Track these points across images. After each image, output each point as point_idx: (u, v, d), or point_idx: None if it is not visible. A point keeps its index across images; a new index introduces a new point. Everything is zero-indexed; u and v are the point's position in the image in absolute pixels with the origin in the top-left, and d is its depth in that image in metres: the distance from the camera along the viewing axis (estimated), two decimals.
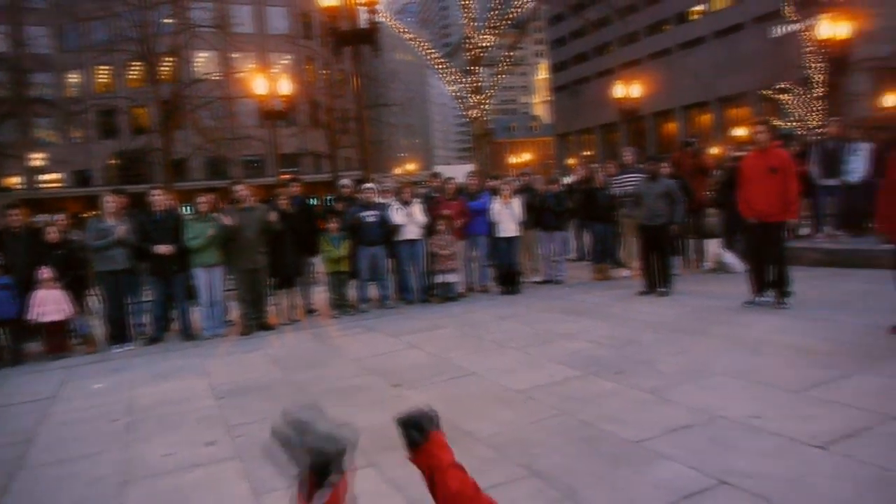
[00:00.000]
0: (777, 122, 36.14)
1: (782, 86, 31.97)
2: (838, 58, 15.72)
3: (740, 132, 44.06)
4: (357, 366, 6.48)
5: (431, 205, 9.88)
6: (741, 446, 3.70)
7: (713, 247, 10.56)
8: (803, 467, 3.37)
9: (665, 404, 4.52)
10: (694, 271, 10.47)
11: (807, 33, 28.60)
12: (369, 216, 9.29)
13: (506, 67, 20.56)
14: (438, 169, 28.51)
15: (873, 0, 33.04)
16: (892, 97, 31.68)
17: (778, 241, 7.26)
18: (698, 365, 5.37)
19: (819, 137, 11.01)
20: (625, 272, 10.69)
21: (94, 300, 9.01)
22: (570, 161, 62.66)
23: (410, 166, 77.90)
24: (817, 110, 28.87)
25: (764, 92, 34.97)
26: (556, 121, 78.61)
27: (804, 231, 10.97)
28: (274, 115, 18.41)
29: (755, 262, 7.44)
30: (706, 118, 55.16)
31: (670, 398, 4.63)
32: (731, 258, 9.95)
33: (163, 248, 8.19)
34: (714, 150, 24.95)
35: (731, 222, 10.06)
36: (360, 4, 12.73)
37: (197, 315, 8.72)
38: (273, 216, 8.49)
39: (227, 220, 8.28)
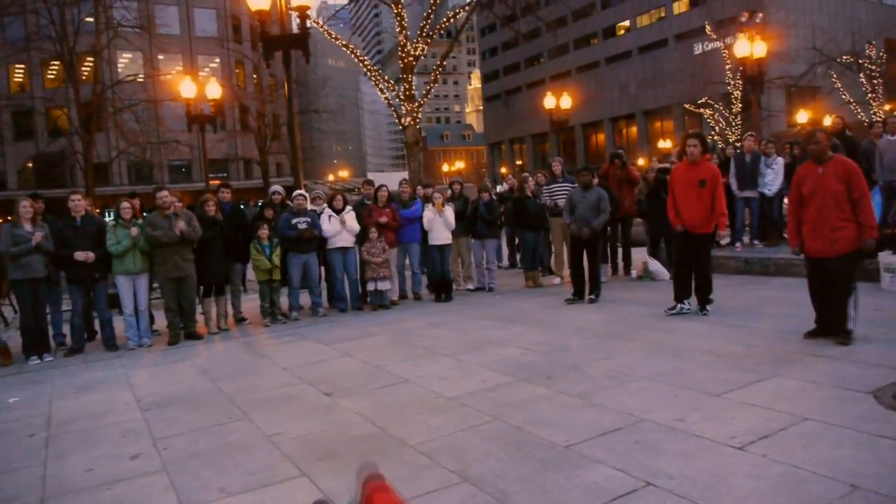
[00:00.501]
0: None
1: (704, 100, 33.33)
2: (754, 75, 16.48)
3: (665, 144, 45.68)
4: (289, 374, 6.39)
5: (364, 212, 9.86)
6: (665, 448, 3.84)
7: (639, 255, 10.91)
8: (723, 467, 3.53)
9: (593, 408, 4.65)
10: (622, 279, 10.78)
11: (726, 51, 29.98)
12: (301, 223, 9.19)
13: (438, 76, 20.69)
14: (371, 176, 28.46)
15: (787, 22, 34.94)
16: (803, 114, 33.51)
17: (705, 251, 7.56)
18: (625, 369, 5.53)
19: (737, 151, 11.52)
20: (555, 280, 10.92)
21: (10, 309, 8.58)
22: (502, 170, 63.55)
23: (343, 173, 77.39)
24: (736, 125, 30.24)
25: (686, 106, 36.36)
26: (488, 130, 79.56)
27: (724, 241, 11.45)
28: (202, 120, 17.97)
29: (681, 271, 7.71)
30: (633, 130, 56.93)
31: (598, 402, 4.76)
32: (656, 266, 10.29)
33: (82, 255, 7.88)
34: (640, 162, 25.76)
35: (655, 231, 10.43)
36: (292, 9, 12.60)
37: (121, 325, 8.43)
38: (180, 225, 8.13)
39: (180, 225, 8.02)
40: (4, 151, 41.54)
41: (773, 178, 10.66)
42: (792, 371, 5.10)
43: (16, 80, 42.43)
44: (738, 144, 12.48)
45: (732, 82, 30.10)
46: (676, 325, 7.07)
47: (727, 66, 30.73)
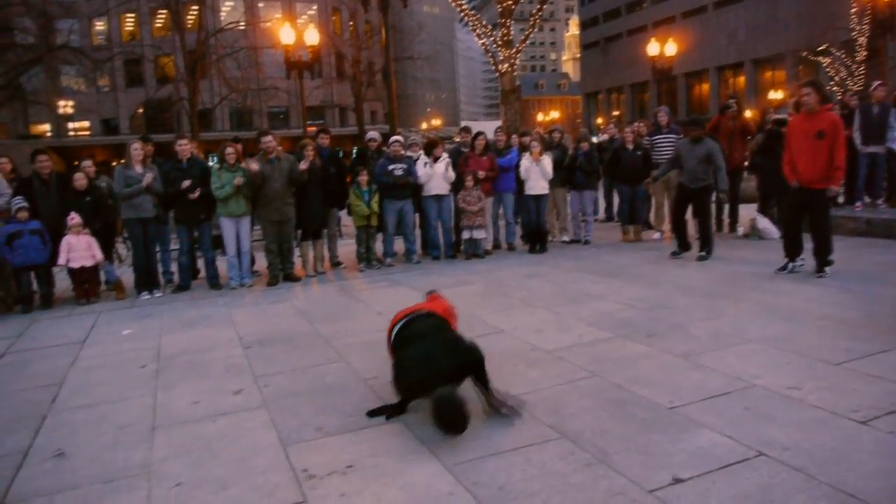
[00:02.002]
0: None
1: (823, 48, 30.91)
2: (884, 19, 15.04)
3: (775, 95, 42.94)
4: (383, 319, 6.39)
5: (460, 160, 9.73)
6: (779, 417, 3.60)
7: (747, 211, 10.33)
8: (844, 442, 3.27)
9: (699, 370, 4.43)
10: (726, 236, 10.26)
11: None
12: (397, 169, 9.16)
13: (537, 21, 20.04)
14: (465, 124, 28.18)
15: None
16: None
17: (822, 208, 7.04)
18: (732, 331, 5.25)
19: (862, 102, 10.55)
20: (655, 234, 10.52)
21: (123, 247, 9.04)
22: (598, 120, 61.71)
23: (436, 121, 77.18)
24: (859, 74, 27.96)
25: (803, 54, 33.90)
26: (585, 79, 77.10)
27: (841, 199, 10.67)
28: (300, 66, 18.17)
29: (791, 227, 7.23)
30: (740, 80, 53.71)
31: (704, 364, 4.53)
32: (765, 223, 9.72)
33: (186, 184, 8.15)
34: (748, 114, 24.34)
35: (767, 187, 9.80)
36: None
37: (223, 265, 8.73)
38: (304, 164, 8.38)
39: (253, 166, 8.19)
40: (117, 98, 43.70)
41: None
42: None
43: (127, 28, 44.24)
44: (864, 95, 11.43)
45: (858, 27, 27.73)
46: (788, 287, 6.65)
47: (852, 10, 28.28)
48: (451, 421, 3.54)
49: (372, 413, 4.00)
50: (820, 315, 5.55)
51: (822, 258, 7.04)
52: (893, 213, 9.65)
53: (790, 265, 7.22)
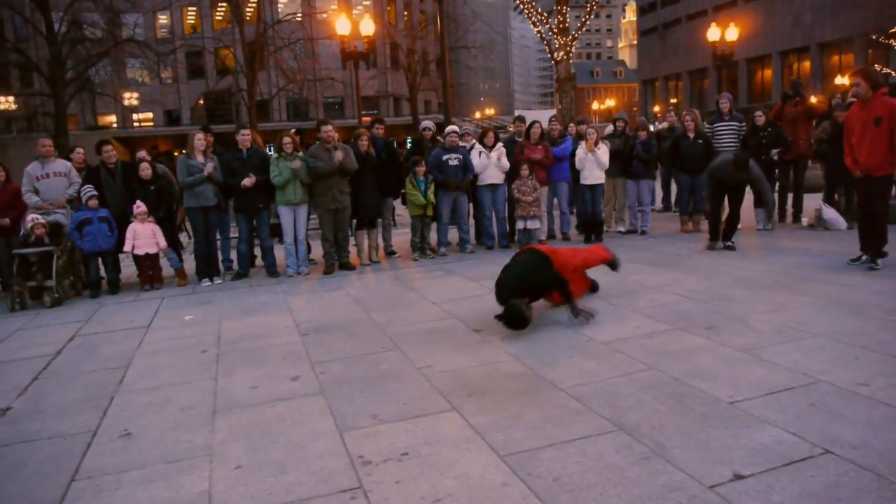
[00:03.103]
0: (881, 68, 33.61)
1: (893, 31, 29.54)
2: None
3: (842, 80, 41.26)
4: (438, 309, 6.47)
5: (515, 149, 9.66)
6: (846, 414, 3.48)
7: (813, 201, 9.97)
8: None
9: (760, 364, 4.30)
10: (790, 227, 9.94)
11: None
12: (452, 160, 9.16)
13: (593, 7, 19.71)
14: (520, 113, 27.95)
15: None
16: None
17: (880, 195, 6.79)
18: (796, 325, 5.08)
19: None
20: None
21: (185, 235, 9.29)
22: (656, 108, 60.41)
23: (490, 110, 76.84)
24: None
25: (872, 37, 32.44)
26: (642, 66, 75.43)
27: None
28: (355, 57, 18.31)
29: (865, 218, 6.97)
30: (805, 65, 51.72)
31: (766, 358, 4.40)
32: (831, 214, 9.37)
33: (247, 181, 8.33)
34: (813, 100, 23.46)
35: (834, 176, 9.44)
36: None
37: (281, 253, 8.89)
38: (339, 155, 8.35)
39: (338, 156, 8.29)
40: (179, 89, 44.89)
41: None
42: None
43: (188, 21, 45.36)
44: None
45: None
46: (855, 280, 6.40)
47: None
48: (509, 321, 5.19)
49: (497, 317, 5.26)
50: (889, 309, 5.34)
51: (877, 248, 6.77)
52: None
53: (863, 257, 6.95)
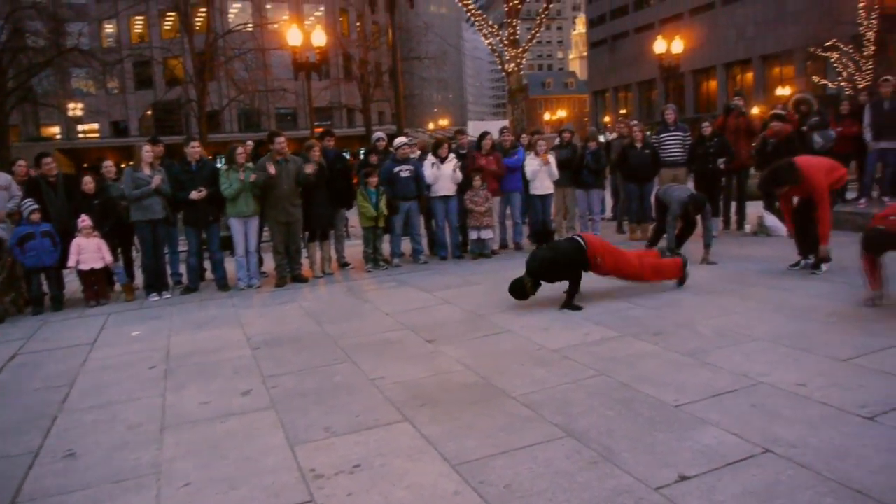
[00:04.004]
0: (819, 79, 34.91)
1: (831, 43, 30.76)
2: (892, 14, 14.89)
3: (783, 91, 42.70)
4: (391, 320, 6.47)
5: (467, 160, 9.74)
6: (786, 414, 3.60)
7: (755, 209, 10.28)
8: (852, 438, 3.27)
9: (705, 368, 4.43)
10: (734, 234, 10.23)
11: None
12: (404, 171, 9.19)
13: (543, 20, 20.03)
14: (472, 124, 28.16)
15: None
16: None
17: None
18: (740, 329, 5.24)
19: (872, 98, 10.45)
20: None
21: (132, 249, 9.11)
22: (606, 119, 61.54)
23: (443, 121, 77.19)
24: (867, 69, 27.81)
25: (811, 49, 33.72)
26: (592, 77, 76.81)
27: (851, 195, 10.62)
28: (307, 68, 18.22)
29: (799, 228, 7.21)
30: (748, 76, 53.40)
31: (711, 362, 4.52)
32: (772, 220, 9.67)
33: (196, 194, 8.21)
34: (755, 111, 24.20)
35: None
36: None
37: (232, 266, 8.78)
38: (310, 168, 8.40)
39: (271, 169, 8.23)
40: (127, 100, 43.95)
41: None
42: None
43: (136, 31, 44.50)
44: (874, 91, 11.37)
45: (865, 22, 27.57)
46: (796, 284, 6.63)
47: (860, 5, 28.10)
48: (513, 292, 6.38)
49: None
50: (828, 312, 5.53)
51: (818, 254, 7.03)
52: None
53: (802, 262, 7.19)
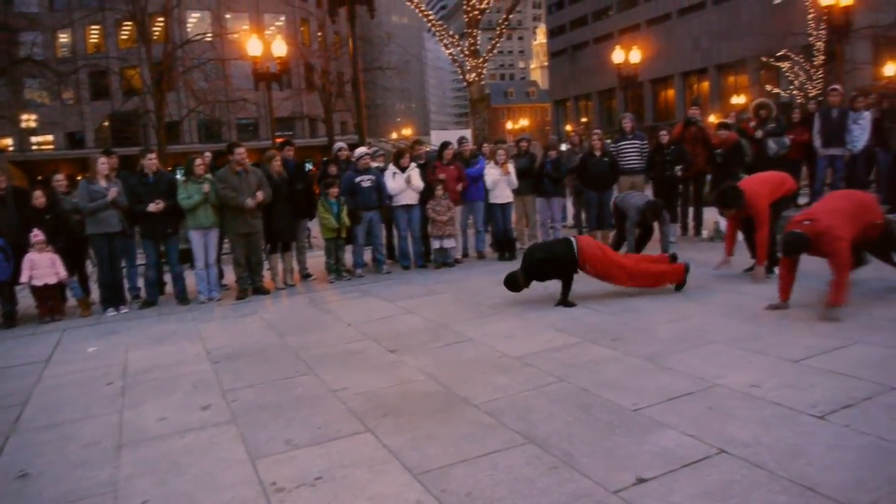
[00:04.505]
0: (772, 87, 35.93)
1: (782, 53, 31.66)
2: (839, 25, 15.40)
3: (738, 100, 43.75)
4: (353, 331, 6.44)
5: (428, 170, 9.77)
6: (740, 415, 3.68)
7: (712, 215, 10.49)
8: (803, 437, 3.36)
9: (663, 372, 4.50)
10: (692, 239, 10.43)
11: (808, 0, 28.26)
12: (365, 181, 9.18)
13: (503, 31, 20.23)
14: (434, 134, 28.25)
15: None
16: (891, 66, 31.41)
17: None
18: (697, 332, 5.35)
19: (821, 106, 10.81)
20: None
21: (88, 263, 8.93)
22: (567, 127, 62.24)
23: (406, 131, 77.23)
24: (817, 78, 28.65)
25: (764, 59, 34.64)
26: (553, 87, 77.72)
27: (803, 200, 10.91)
28: (268, 78, 18.11)
29: (749, 235, 7.38)
30: (704, 85, 54.62)
31: (669, 366, 4.61)
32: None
33: (153, 206, 8.09)
34: (711, 118, 24.72)
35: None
36: None
37: (191, 279, 8.65)
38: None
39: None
40: (82, 111, 43.05)
41: (860, 133, 10.04)
42: (876, 337, 4.83)
43: (92, 41, 43.65)
44: (822, 99, 11.77)
45: (815, 33, 28.43)
46: (751, 288, 6.78)
47: (809, 16, 28.97)
48: (506, 284, 6.88)
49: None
50: (781, 314, 5.68)
51: (771, 258, 7.20)
52: None
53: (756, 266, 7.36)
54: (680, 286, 7.01)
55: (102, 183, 8.01)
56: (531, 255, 6.87)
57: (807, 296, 5.94)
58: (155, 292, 8.62)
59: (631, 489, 2.99)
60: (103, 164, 8.09)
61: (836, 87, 10.92)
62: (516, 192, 10.05)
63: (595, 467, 3.23)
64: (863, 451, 3.17)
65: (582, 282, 6.96)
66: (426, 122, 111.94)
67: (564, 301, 6.70)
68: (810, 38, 29.27)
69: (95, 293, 8.69)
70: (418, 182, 9.48)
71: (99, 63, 37.47)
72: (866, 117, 10.10)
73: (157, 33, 33.39)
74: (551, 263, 6.73)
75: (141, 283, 8.85)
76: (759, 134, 10.29)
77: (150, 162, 8.35)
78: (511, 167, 9.85)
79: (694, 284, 7.13)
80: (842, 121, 10.11)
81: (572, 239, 6.91)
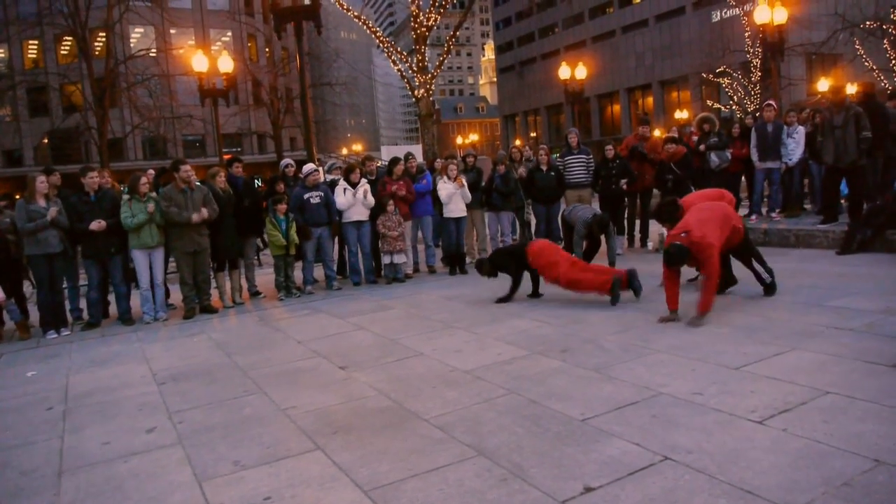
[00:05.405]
0: (713, 103, 37.16)
1: (722, 69, 32.78)
2: (774, 42, 16.03)
3: (681, 114, 45.02)
4: (303, 348, 6.40)
5: (378, 185, 9.79)
6: (683, 422, 3.78)
7: (657, 227, 10.76)
8: (743, 442, 3.47)
9: (610, 382, 4.60)
10: (638, 251, 10.67)
11: (745, 18, 29.37)
12: (314, 198, 9.15)
13: (451, 47, 20.45)
14: (385, 150, 28.27)
15: None
16: (824, 82, 32.79)
17: None
18: (641, 342, 5.47)
19: (757, 121, 11.24)
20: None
21: (27, 285, 8.64)
22: (517, 142, 63.02)
23: (357, 146, 77.07)
24: (755, 94, 29.73)
25: (704, 75, 35.79)
26: (502, 102, 78.72)
27: (742, 212, 11.28)
28: (215, 94, 17.89)
29: None
30: (649, 100, 56.07)
31: (615, 376, 4.70)
32: None
33: (95, 225, 7.90)
34: (657, 132, 25.40)
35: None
36: None
37: (136, 299, 8.46)
38: (196, 217, 8.15)
39: (195, 219, 8.11)
40: (20, 128, 41.73)
41: (794, 147, 10.47)
42: (813, 344, 5.01)
43: (30, 56, 42.46)
44: (758, 115, 12.26)
45: (751, 50, 29.56)
46: (693, 298, 6.94)
47: (746, 34, 30.11)
48: (476, 267, 8.18)
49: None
50: (722, 322, 5.85)
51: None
52: (788, 222, 10.28)
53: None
54: (614, 299, 7.00)
55: (41, 202, 7.79)
56: (500, 249, 8.33)
57: (747, 305, 6.14)
58: (98, 313, 8.40)
59: (578, 498, 3.05)
60: (42, 183, 7.87)
61: (771, 102, 11.36)
62: (466, 206, 10.13)
63: (544, 478, 3.28)
64: (799, 454, 3.29)
65: (521, 297, 7.05)
66: (376, 138, 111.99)
67: (504, 298, 7.61)
68: (748, 56, 30.42)
69: (35, 315, 8.42)
70: (370, 198, 9.48)
71: (37, 79, 36.40)
72: (800, 131, 10.54)
73: (98, 49, 32.67)
74: (506, 258, 7.77)
75: (83, 304, 8.60)
76: (701, 147, 10.63)
77: (91, 180, 8.15)
78: (464, 180, 9.94)
79: (641, 295, 7.27)
80: (777, 135, 10.52)
81: (529, 242, 7.99)
